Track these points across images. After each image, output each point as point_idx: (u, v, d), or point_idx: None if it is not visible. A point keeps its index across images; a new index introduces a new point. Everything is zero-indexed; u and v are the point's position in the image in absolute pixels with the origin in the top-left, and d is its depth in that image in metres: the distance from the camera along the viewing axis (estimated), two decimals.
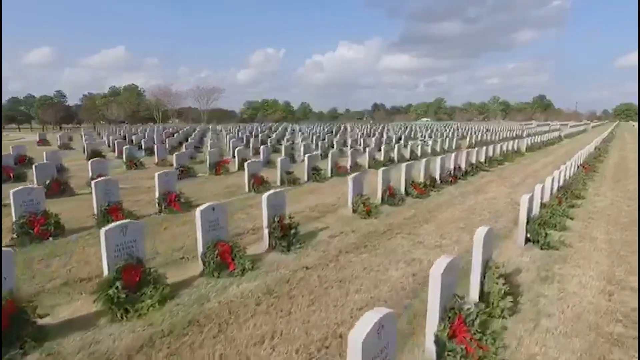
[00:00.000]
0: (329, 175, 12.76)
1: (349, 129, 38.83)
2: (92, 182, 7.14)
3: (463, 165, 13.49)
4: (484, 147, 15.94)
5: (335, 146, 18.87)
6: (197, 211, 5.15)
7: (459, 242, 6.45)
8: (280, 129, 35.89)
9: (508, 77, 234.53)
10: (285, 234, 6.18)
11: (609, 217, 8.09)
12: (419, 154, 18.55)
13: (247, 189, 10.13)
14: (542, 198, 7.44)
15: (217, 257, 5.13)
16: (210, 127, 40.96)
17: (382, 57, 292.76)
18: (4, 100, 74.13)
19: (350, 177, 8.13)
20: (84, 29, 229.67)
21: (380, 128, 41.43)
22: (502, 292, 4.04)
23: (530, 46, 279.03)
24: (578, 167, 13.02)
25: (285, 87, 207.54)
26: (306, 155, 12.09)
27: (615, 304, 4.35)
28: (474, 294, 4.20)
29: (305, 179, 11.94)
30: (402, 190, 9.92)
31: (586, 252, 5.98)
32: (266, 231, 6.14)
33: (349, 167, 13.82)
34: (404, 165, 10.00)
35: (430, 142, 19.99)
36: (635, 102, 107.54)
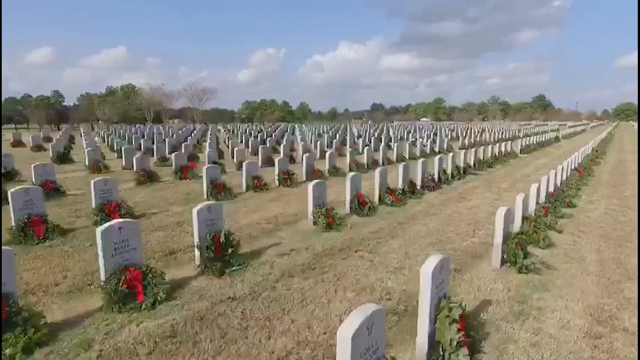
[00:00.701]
0: (304, 179, 11.87)
1: (347, 128, 37.89)
2: (9, 192, 6.23)
3: (449, 169, 12.60)
4: (473, 149, 15.04)
5: (318, 147, 17.95)
6: (98, 232, 4.24)
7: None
8: (268, 129, 34.96)
9: (508, 77, 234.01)
10: (222, 255, 5.29)
11: (602, 230, 7.18)
12: (407, 157, 17.67)
13: (205, 196, 9.21)
14: (526, 209, 6.54)
15: (121, 286, 4.23)
16: (196, 127, 40.02)
17: (382, 57, 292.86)
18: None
19: (310, 185, 7.23)
20: (84, 29, 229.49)
21: (372, 128, 40.56)
22: (455, 342, 3.14)
23: (531, 46, 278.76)
24: (572, 170, 12.13)
25: (285, 87, 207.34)
26: (277, 159, 11.17)
27: (602, 354, 3.45)
28: (422, 342, 3.30)
29: (276, 184, 11.04)
30: (376, 198, 9.04)
31: (572, 277, 5.07)
32: (197, 252, 5.24)
33: (326, 171, 12.93)
34: (377, 170, 9.10)
35: (418, 144, 19.08)
36: (635, 102, 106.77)
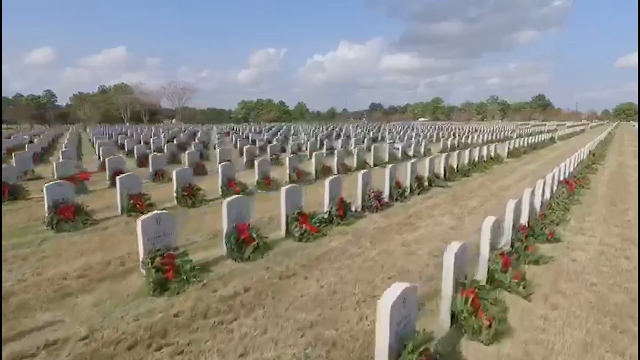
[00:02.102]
0: (220, 194, 9.36)
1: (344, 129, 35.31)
2: None
3: (407, 180, 10.07)
4: (443, 155, 12.48)
5: (268, 150, 15.36)
6: None
7: None
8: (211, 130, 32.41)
9: (509, 77, 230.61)
10: None
11: (593, 290, 4.62)
12: (371, 163, 15.11)
13: (46, 225, 6.67)
14: (461, 270, 4.02)
15: None
16: (145, 126, 37.48)
17: (382, 57, 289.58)
18: None
19: (139, 220, 4.68)
20: (85, 29, 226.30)
21: (353, 128, 38.04)
22: None
23: (531, 46, 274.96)
24: (559, 183, 9.55)
25: (286, 87, 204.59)
26: (174, 171, 8.63)
27: None
28: None
29: (174, 202, 8.51)
30: (282, 228, 6.51)
31: None
32: None
33: (255, 182, 10.38)
34: (283, 189, 6.55)
35: (387, 147, 16.52)
36: (636, 102, 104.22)
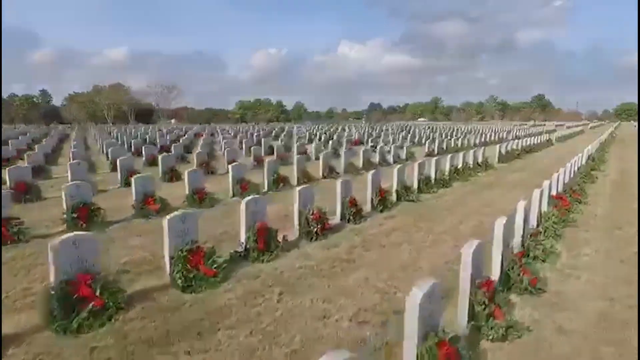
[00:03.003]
0: (132, 213, 7.63)
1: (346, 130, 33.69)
2: None
3: (368, 195, 8.35)
4: (416, 163, 10.71)
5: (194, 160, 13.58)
6: None
7: None
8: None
9: (509, 77, 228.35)
10: None
11: None
12: (341, 171, 13.35)
13: None
14: None
15: None
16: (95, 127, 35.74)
17: (383, 56, 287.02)
18: None
19: None
20: (86, 29, 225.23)
21: (336, 129, 36.29)
22: None
23: (532, 46, 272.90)
24: (550, 199, 7.78)
25: (286, 87, 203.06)
26: (63, 185, 6.88)
27: None
28: None
29: (65, 226, 6.76)
30: (167, 271, 4.78)
31: None
32: None
33: (186, 198, 8.62)
34: (165, 218, 4.80)
35: (361, 152, 14.73)
36: (636, 102, 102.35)
